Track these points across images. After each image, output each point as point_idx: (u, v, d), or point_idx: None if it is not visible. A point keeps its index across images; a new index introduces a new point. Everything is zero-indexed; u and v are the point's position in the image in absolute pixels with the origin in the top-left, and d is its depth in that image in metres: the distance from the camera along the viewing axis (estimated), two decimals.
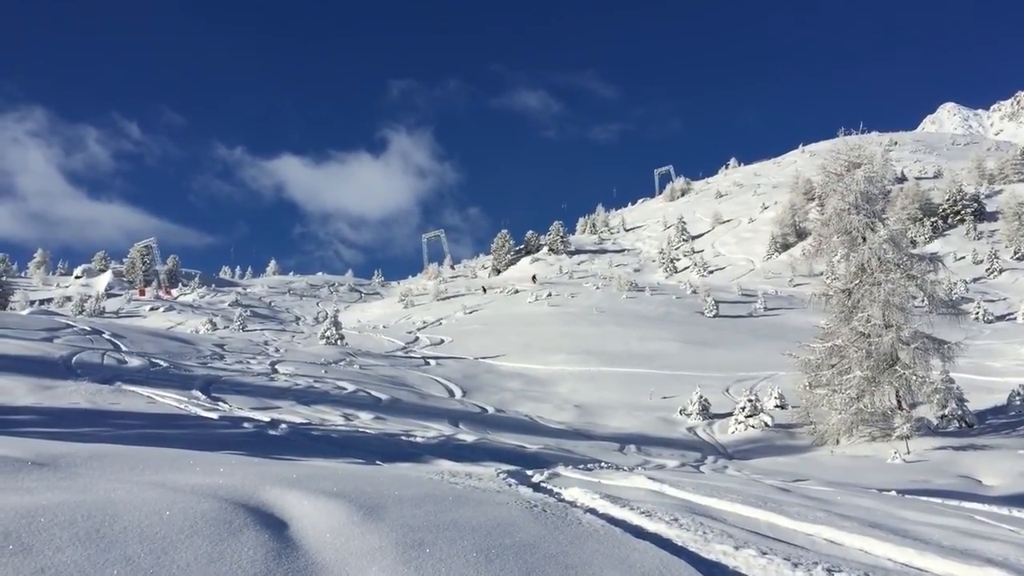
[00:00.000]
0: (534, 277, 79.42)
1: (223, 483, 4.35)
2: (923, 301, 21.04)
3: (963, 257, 75.18)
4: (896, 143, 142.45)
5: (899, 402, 19.86)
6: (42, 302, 67.47)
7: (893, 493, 10.18)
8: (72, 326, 28.54)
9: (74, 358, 20.02)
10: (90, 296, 66.57)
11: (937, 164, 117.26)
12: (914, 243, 64.58)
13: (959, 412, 20.09)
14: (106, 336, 26.52)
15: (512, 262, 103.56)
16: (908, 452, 17.47)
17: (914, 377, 19.33)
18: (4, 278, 57.61)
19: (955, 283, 58.95)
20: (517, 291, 69.62)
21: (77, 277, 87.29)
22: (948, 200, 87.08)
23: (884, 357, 19.65)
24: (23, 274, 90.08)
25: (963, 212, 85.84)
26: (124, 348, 24.29)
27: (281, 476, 4.94)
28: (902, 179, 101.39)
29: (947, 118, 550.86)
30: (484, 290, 69.57)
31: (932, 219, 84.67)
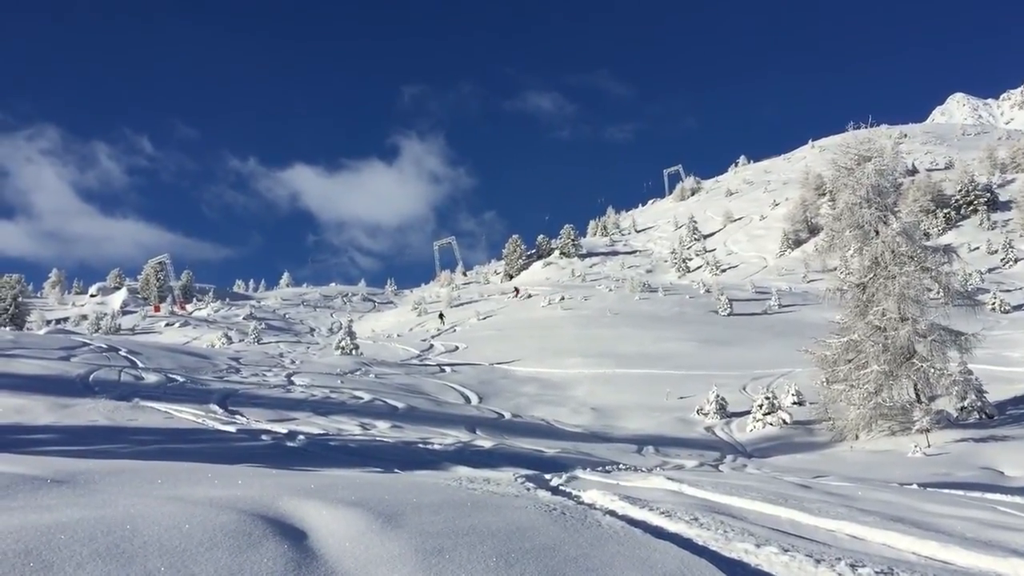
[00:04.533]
0: (516, 290, 75.14)
1: (242, 495, 4.36)
2: (938, 293, 20.89)
3: (977, 248, 74.72)
4: (906, 135, 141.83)
5: (918, 395, 19.72)
6: (58, 321, 67.94)
7: (914, 487, 10.10)
8: (89, 344, 28.69)
9: (91, 376, 20.11)
10: (105, 314, 66.99)
11: (948, 155, 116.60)
12: (927, 235, 64.05)
13: (979, 403, 19.92)
14: (122, 353, 26.64)
15: (524, 267, 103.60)
16: (928, 445, 17.34)
17: (932, 370, 19.19)
18: (20, 298, 57.93)
19: (970, 274, 58.61)
20: (530, 295, 69.61)
21: (92, 295, 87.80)
22: (960, 191, 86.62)
23: (901, 350, 19.53)
24: (39, 294, 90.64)
25: (976, 202, 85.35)
26: (141, 364, 24.39)
27: (299, 487, 4.94)
28: (913, 171, 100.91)
29: (957, 108, 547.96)
30: (441, 317, 61.93)
31: (945, 210, 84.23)
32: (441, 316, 61.78)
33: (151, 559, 3.07)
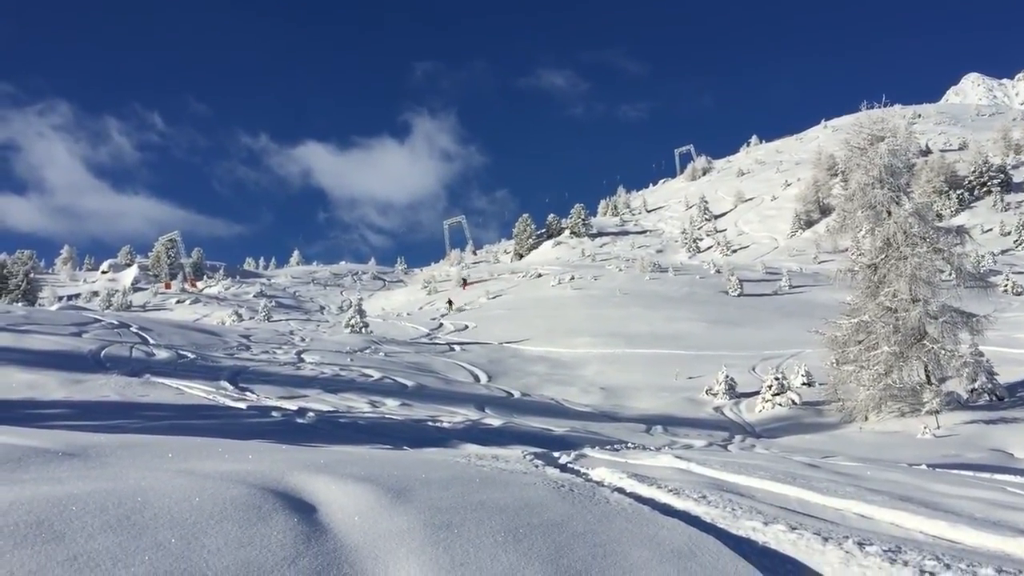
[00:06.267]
0: (464, 281, 70.98)
1: (251, 469, 4.38)
2: (950, 274, 20.80)
3: (990, 229, 74.25)
4: (920, 115, 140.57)
5: (928, 377, 19.67)
6: (70, 297, 68.32)
7: (923, 467, 10.09)
8: (100, 320, 28.81)
9: (103, 352, 20.23)
10: (117, 290, 67.29)
11: (962, 136, 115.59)
12: (940, 216, 63.83)
13: (989, 385, 19.87)
14: (134, 329, 26.76)
15: (534, 246, 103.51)
16: (938, 427, 17.32)
17: (943, 351, 19.13)
18: (32, 274, 58.26)
19: (982, 255, 58.26)
20: (540, 275, 69.56)
21: (104, 272, 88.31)
22: (974, 172, 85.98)
23: (912, 332, 19.46)
24: (50, 270, 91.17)
25: (989, 183, 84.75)
26: (152, 341, 24.51)
27: (309, 462, 4.96)
28: (926, 152, 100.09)
29: (971, 89, 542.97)
30: (450, 304, 56.53)
31: (958, 191, 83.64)
32: (450, 302, 57.22)
33: (162, 530, 3.09)
